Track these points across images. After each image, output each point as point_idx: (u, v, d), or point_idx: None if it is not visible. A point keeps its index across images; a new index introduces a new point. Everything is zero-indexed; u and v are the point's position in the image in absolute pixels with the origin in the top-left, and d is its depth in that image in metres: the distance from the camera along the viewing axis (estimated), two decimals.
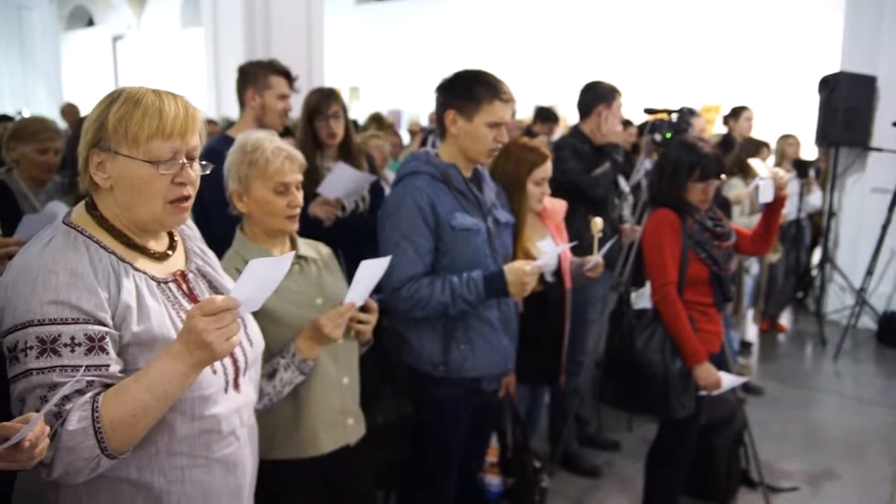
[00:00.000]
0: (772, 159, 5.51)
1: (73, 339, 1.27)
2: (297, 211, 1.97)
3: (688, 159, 2.76)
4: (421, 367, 2.42)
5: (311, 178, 2.70)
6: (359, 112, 10.37)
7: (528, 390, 3.27)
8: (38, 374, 1.25)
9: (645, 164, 4.21)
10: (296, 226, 1.99)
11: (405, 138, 8.99)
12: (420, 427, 2.50)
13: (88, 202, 1.43)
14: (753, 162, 2.98)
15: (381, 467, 2.53)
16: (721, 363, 2.91)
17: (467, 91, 2.32)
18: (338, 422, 2.06)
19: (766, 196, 2.81)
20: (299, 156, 1.99)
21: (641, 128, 5.41)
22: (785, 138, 5.79)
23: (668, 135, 3.47)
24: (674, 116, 3.52)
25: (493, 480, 2.82)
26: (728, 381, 2.82)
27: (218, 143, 2.94)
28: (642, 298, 2.84)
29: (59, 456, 1.22)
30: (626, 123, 5.39)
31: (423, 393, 2.47)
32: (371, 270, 1.91)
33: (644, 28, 10.53)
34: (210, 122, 5.87)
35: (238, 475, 1.55)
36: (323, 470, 2.04)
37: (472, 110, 2.31)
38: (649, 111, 3.67)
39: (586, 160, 3.57)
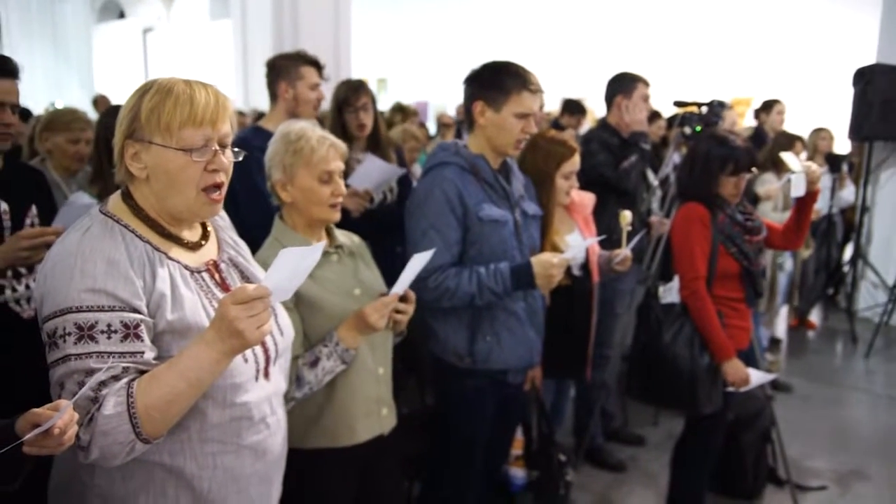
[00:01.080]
0: (805, 154, 5.43)
1: (109, 326, 1.30)
2: (341, 199, 1.98)
3: (720, 152, 2.73)
4: (446, 357, 2.43)
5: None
6: (386, 103, 10.39)
7: (554, 383, 3.27)
8: (76, 360, 1.28)
9: (674, 157, 4.17)
10: (338, 214, 2.00)
11: (431, 129, 8.99)
12: (445, 418, 2.51)
13: (124, 191, 1.46)
14: (786, 156, 2.93)
15: (405, 457, 2.54)
16: (750, 359, 2.88)
17: (495, 82, 2.31)
18: (373, 411, 2.07)
19: (799, 190, 2.77)
20: (342, 144, 2.00)
21: (671, 121, 5.37)
22: (817, 132, 5.70)
23: (698, 128, 3.43)
24: (704, 109, 3.48)
25: (518, 473, 2.83)
26: (756, 377, 2.79)
27: (250, 134, 2.98)
28: (670, 293, 2.82)
29: (95, 439, 1.25)
30: (655, 116, 5.35)
31: (449, 384, 2.47)
32: (418, 263, 1.93)
33: (674, 19, 10.41)
34: (239, 114, 5.91)
35: (268, 462, 1.57)
36: (357, 459, 2.06)
37: (501, 101, 2.31)
38: (679, 104, 3.64)
39: (615, 153, 3.54)
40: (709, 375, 2.75)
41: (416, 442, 2.53)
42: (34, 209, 2.24)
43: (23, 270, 2.18)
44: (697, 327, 2.76)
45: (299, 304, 1.91)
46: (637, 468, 3.76)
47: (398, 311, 2.00)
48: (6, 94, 2.10)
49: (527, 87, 2.29)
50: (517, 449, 2.82)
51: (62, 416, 1.09)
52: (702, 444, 2.98)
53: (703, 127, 3.40)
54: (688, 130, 3.46)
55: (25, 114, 5.30)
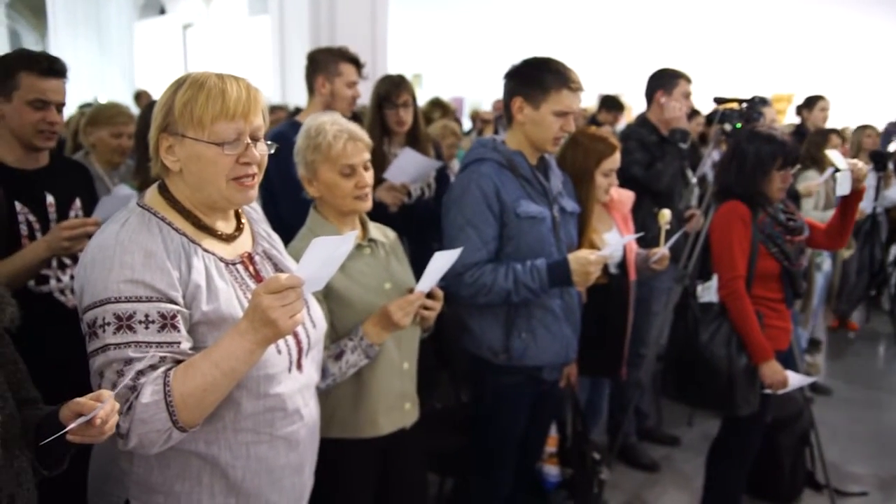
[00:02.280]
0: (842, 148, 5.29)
1: (147, 316, 1.32)
2: (366, 191, 1.98)
3: (769, 149, 2.68)
4: (482, 354, 2.43)
5: (378, 165, 2.73)
6: (421, 99, 10.38)
7: (590, 381, 3.24)
8: (115, 350, 1.31)
9: (712, 154, 4.10)
10: (367, 204, 2.00)
11: (466, 125, 8.97)
12: (479, 414, 2.50)
13: (161, 184, 1.48)
14: (831, 153, 2.85)
15: (438, 453, 2.54)
16: (788, 361, 2.83)
17: (535, 79, 2.30)
18: (396, 405, 2.08)
19: (844, 188, 2.71)
20: (364, 136, 2.00)
21: (709, 118, 5.28)
22: (862, 129, 5.56)
23: (738, 125, 3.37)
24: (744, 106, 3.41)
25: (552, 470, 2.82)
26: (795, 380, 2.74)
27: (286, 128, 3.00)
28: (709, 292, 2.78)
29: (133, 427, 1.28)
30: (694, 113, 5.27)
31: (484, 380, 2.47)
32: (442, 261, 1.92)
33: (715, 14, 10.24)
34: (276, 109, 5.96)
35: (300, 452, 1.59)
36: (379, 451, 2.07)
37: (540, 98, 2.29)
38: (718, 100, 3.57)
39: (651, 151, 3.50)
40: (746, 376, 2.71)
41: (449, 437, 2.53)
42: (78, 202, 2.30)
43: (67, 261, 2.23)
44: (735, 327, 2.71)
45: (329, 296, 1.93)
46: (671, 468, 3.72)
47: (425, 308, 2.01)
48: (54, 93, 2.16)
49: (567, 85, 2.28)
50: (551, 446, 2.81)
51: (104, 406, 1.11)
52: (738, 446, 2.93)
53: (743, 124, 3.34)
54: (728, 127, 3.40)
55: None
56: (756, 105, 3.38)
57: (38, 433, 1.27)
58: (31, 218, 2.16)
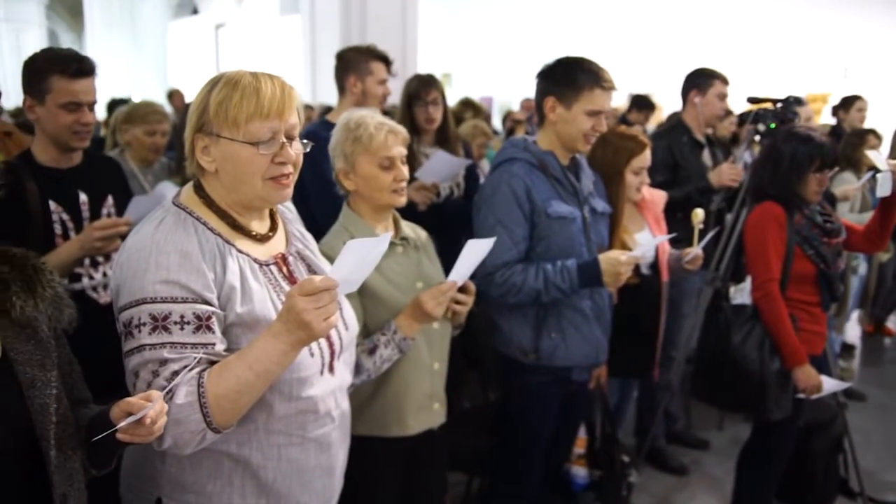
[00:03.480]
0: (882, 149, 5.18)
1: (182, 317, 1.33)
2: (404, 184, 1.99)
3: (806, 150, 2.64)
4: (511, 353, 2.42)
5: (408, 163, 2.74)
6: (451, 98, 10.38)
7: (618, 383, 3.22)
8: (151, 350, 1.31)
9: (745, 155, 4.05)
10: (403, 199, 2.01)
11: (496, 124, 8.94)
12: (508, 414, 2.50)
13: (196, 183, 1.49)
14: (872, 153, 2.79)
15: (466, 452, 2.54)
16: (823, 366, 2.79)
17: (568, 78, 2.28)
18: (425, 406, 2.08)
19: (885, 189, 2.65)
20: (402, 130, 2.00)
21: (742, 118, 5.20)
22: None
23: (773, 125, 3.32)
24: (779, 106, 3.36)
25: (580, 472, 2.80)
26: (829, 385, 2.70)
27: (318, 127, 3.03)
28: (742, 294, 2.75)
29: (168, 428, 1.28)
30: (726, 113, 5.20)
31: (513, 380, 2.46)
32: (475, 251, 1.91)
33: (747, 12, 10.10)
34: (307, 108, 6.00)
35: (331, 455, 1.59)
36: (405, 450, 2.07)
37: (572, 98, 2.28)
38: (752, 100, 3.52)
39: (684, 152, 3.47)
40: (779, 381, 2.67)
41: (477, 437, 2.53)
42: (110, 199, 2.32)
43: (100, 259, 2.26)
44: (769, 330, 2.68)
45: (361, 293, 1.92)
46: (700, 472, 3.68)
47: (458, 303, 2.00)
48: (85, 94, 2.15)
49: (600, 84, 2.26)
50: (580, 447, 2.79)
51: (154, 406, 1.12)
52: (769, 451, 2.89)
53: (777, 124, 3.29)
54: (762, 127, 3.35)
55: None
56: (791, 105, 3.32)
57: (88, 432, 1.29)
58: (65, 216, 2.18)
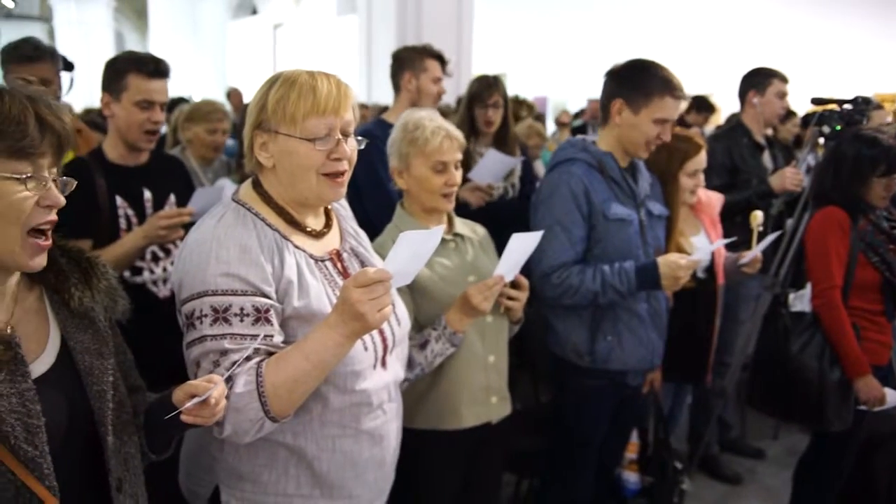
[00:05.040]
0: None
1: (242, 309, 1.37)
2: (454, 190, 2.00)
3: (870, 153, 2.56)
4: (566, 355, 2.40)
5: (464, 164, 2.75)
6: None
7: (672, 388, 3.17)
8: (212, 341, 1.36)
9: (808, 158, 3.93)
10: (452, 204, 2.02)
11: (549, 125, 8.89)
12: (560, 416, 2.49)
13: (254, 180, 1.53)
14: None
15: (517, 453, 2.54)
16: (887, 377, 2.69)
17: (639, 83, 2.26)
18: (480, 398, 2.08)
19: None
20: (459, 135, 2.02)
21: (806, 119, 5.05)
22: None
23: (838, 127, 3.22)
24: (846, 107, 3.25)
25: (631, 477, 2.77)
26: (893, 397, 2.61)
27: (373, 127, 3.06)
28: (801, 301, 2.68)
29: (228, 416, 1.32)
30: (789, 114, 5.06)
31: (566, 382, 2.45)
32: (522, 244, 1.90)
33: (810, 10, 9.80)
34: (362, 107, 6.07)
35: (384, 447, 1.61)
36: (462, 443, 2.08)
37: (641, 103, 2.25)
38: (816, 101, 3.42)
39: (744, 155, 3.40)
40: (839, 391, 2.60)
41: (528, 438, 2.52)
42: (172, 197, 2.41)
43: (160, 254, 2.34)
44: (829, 339, 2.60)
45: (411, 288, 1.94)
46: (754, 482, 3.60)
47: (510, 298, 2.00)
48: (159, 93, 2.27)
49: (671, 93, 2.23)
50: (632, 453, 2.76)
51: (218, 387, 1.17)
52: (829, 464, 2.81)
53: (843, 126, 3.19)
54: (827, 129, 3.25)
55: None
56: (859, 106, 3.21)
57: (148, 417, 1.34)
58: (130, 212, 2.28)
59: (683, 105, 7.44)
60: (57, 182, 1.13)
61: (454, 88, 3.37)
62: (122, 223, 2.26)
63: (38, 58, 2.71)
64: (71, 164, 2.30)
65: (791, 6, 9.99)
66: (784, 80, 3.56)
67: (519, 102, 5.55)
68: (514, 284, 2.00)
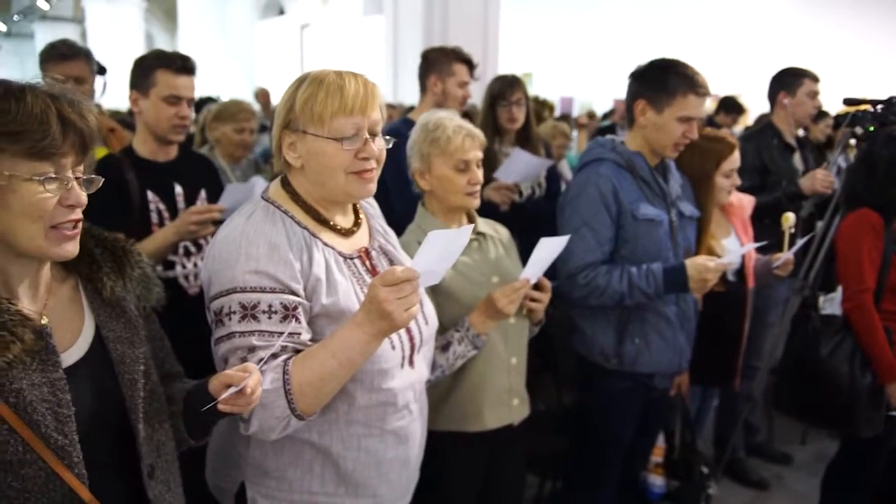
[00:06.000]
0: None
1: (270, 306, 1.37)
2: (478, 188, 2.00)
3: None
4: (592, 357, 2.39)
5: (489, 164, 2.75)
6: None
7: (699, 391, 3.14)
8: (240, 337, 1.37)
9: (839, 160, 3.88)
10: (477, 202, 2.02)
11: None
12: (586, 418, 2.47)
13: (283, 178, 1.54)
14: None
15: (540, 455, 2.53)
16: None
17: (661, 82, 2.24)
18: (503, 400, 2.07)
19: None
20: (479, 134, 2.01)
21: (838, 120, 4.97)
22: None
23: (871, 128, 3.16)
24: (879, 107, 3.20)
25: (657, 481, 2.75)
26: None
27: (400, 125, 3.07)
28: (832, 304, 2.64)
29: (255, 412, 1.34)
30: (821, 115, 4.99)
31: (592, 384, 2.43)
32: (549, 248, 1.90)
33: (840, 9, 9.64)
34: (388, 108, 6.08)
35: (409, 447, 1.61)
36: (483, 445, 2.07)
37: (664, 102, 2.23)
38: (849, 101, 3.36)
39: (774, 156, 3.35)
40: (870, 396, 2.55)
41: (551, 439, 2.51)
42: (203, 193, 2.44)
43: (192, 249, 2.37)
44: (861, 343, 2.56)
45: (435, 288, 1.92)
46: (781, 488, 3.55)
47: (532, 300, 1.99)
48: (186, 89, 2.32)
49: (694, 90, 2.21)
50: (657, 456, 2.74)
51: (253, 376, 1.18)
52: (858, 471, 2.77)
53: (877, 127, 3.13)
54: (859, 131, 3.19)
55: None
56: (894, 107, 3.15)
57: (186, 405, 1.36)
58: (161, 207, 2.32)
59: (710, 105, 7.37)
60: (80, 181, 1.14)
61: (481, 90, 3.35)
62: (154, 218, 2.30)
63: (73, 56, 2.78)
64: (103, 161, 2.35)
65: (822, 6, 9.84)
66: (815, 79, 3.51)
67: (540, 103, 5.55)
68: (537, 286, 1.99)
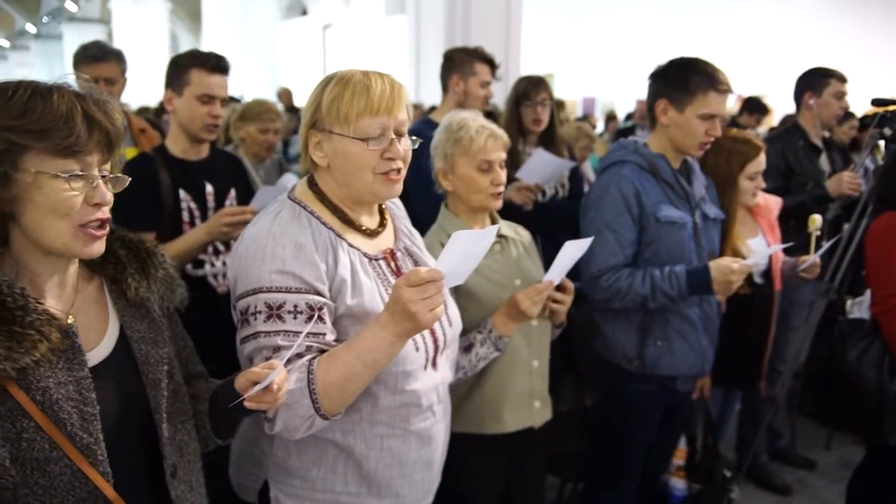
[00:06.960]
0: None
1: (295, 306, 1.38)
2: (501, 188, 1.99)
3: None
4: (614, 359, 2.38)
5: (512, 163, 2.74)
6: None
7: (721, 394, 3.11)
8: (265, 337, 1.38)
9: (865, 161, 3.82)
10: (499, 203, 2.01)
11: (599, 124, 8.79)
12: (608, 421, 2.46)
13: (310, 178, 1.54)
14: None
15: (560, 456, 2.52)
16: None
17: (681, 80, 2.22)
18: (524, 403, 2.07)
19: None
20: (503, 134, 2.01)
21: (865, 121, 4.90)
22: None
23: None
24: None
25: (678, 484, 2.73)
26: None
27: (421, 125, 3.07)
28: (860, 307, 2.59)
29: (280, 412, 1.35)
30: (847, 116, 4.92)
31: (614, 386, 2.42)
32: (573, 251, 1.89)
33: (865, 9, 9.51)
34: (413, 107, 6.10)
35: (432, 448, 1.61)
36: (504, 447, 2.07)
37: (685, 101, 2.22)
38: (878, 102, 3.32)
39: (799, 157, 3.31)
40: None
41: (572, 441, 2.50)
42: (233, 192, 2.47)
43: (221, 248, 2.40)
44: (890, 348, 2.52)
45: (457, 290, 1.93)
46: (805, 493, 3.51)
47: (555, 301, 1.98)
48: (219, 88, 2.35)
49: (715, 87, 2.19)
50: (679, 459, 2.71)
51: (279, 373, 1.19)
52: (886, 478, 2.72)
53: None
54: (887, 132, 3.14)
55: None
56: None
57: (212, 403, 1.37)
58: (193, 205, 2.35)
59: (734, 103, 7.30)
60: (107, 179, 1.15)
61: (503, 90, 3.35)
62: (185, 216, 2.33)
63: (104, 57, 2.83)
64: (136, 160, 2.39)
65: (849, 6, 9.71)
66: (842, 80, 3.47)
67: (557, 103, 5.54)
68: (560, 288, 1.98)
